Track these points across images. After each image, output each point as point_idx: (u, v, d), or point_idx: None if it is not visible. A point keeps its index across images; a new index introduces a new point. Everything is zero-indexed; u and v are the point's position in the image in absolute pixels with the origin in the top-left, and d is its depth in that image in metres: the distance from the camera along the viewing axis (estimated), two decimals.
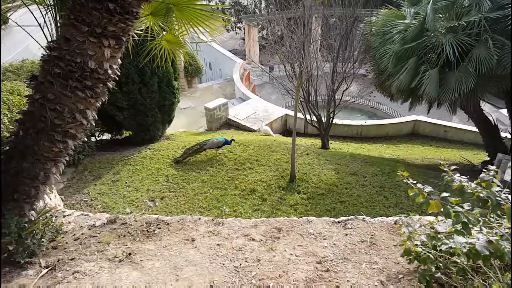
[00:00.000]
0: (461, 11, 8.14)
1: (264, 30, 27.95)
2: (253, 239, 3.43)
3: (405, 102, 10.48)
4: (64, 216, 4.07)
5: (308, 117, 12.00)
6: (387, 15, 9.98)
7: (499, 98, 10.20)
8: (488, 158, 10.40)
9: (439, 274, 2.24)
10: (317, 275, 2.86)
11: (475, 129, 11.53)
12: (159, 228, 3.72)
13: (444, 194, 2.31)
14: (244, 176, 8.30)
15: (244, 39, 29.01)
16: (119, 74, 3.32)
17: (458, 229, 2.18)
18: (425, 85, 8.30)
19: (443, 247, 2.26)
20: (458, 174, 2.42)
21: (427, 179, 8.52)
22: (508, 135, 11.44)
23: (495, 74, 7.72)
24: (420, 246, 2.40)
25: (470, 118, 10.67)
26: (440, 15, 8.73)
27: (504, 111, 15.04)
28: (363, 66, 12.93)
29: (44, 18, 3.45)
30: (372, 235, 3.35)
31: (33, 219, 3.43)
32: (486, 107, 11.30)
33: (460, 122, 16.09)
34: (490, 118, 10.52)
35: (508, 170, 7.95)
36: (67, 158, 3.51)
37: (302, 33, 10.21)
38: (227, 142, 9.25)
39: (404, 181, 2.55)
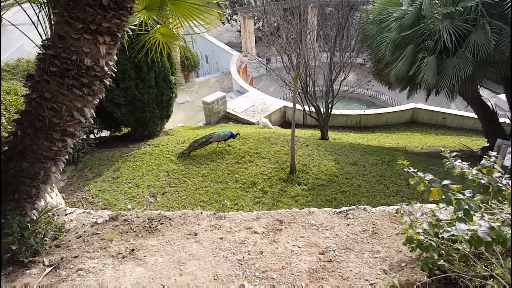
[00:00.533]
0: None
1: (260, 21, 27.70)
2: (255, 232, 3.44)
3: (403, 90, 10.43)
4: (66, 214, 4.07)
5: (306, 108, 11.96)
6: (383, 3, 9.87)
7: (497, 83, 10.14)
8: (488, 144, 10.40)
9: (441, 262, 2.25)
10: (320, 265, 2.87)
11: (473, 115, 11.50)
12: (161, 224, 3.73)
13: (445, 182, 2.31)
14: (245, 169, 8.31)
15: (240, 31, 28.78)
16: (116, 70, 3.30)
17: (460, 216, 2.19)
18: (423, 72, 8.26)
19: (445, 235, 2.26)
20: (459, 161, 2.42)
21: (427, 166, 8.53)
22: (507, 120, 11.42)
23: (493, 60, 7.66)
24: (422, 234, 2.40)
25: (469, 104, 10.63)
26: (437, 1, 8.64)
27: (503, 96, 15.01)
28: (361, 55, 12.83)
29: (37, 16, 3.40)
30: (373, 224, 3.36)
31: (35, 218, 3.44)
32: (484, 93, 11.22)
33: (458, 109, 16.06)
34: (488, 103, 10.49)
35: (508, 156, 7.96)
36: (67, 157, 3.50)
37: (298, 24, 10.12)
38: (232, 136, 9.27)
39: (405, 169, 2.54)
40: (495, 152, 2.33)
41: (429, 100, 11.32)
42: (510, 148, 8.21)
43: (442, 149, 2.49)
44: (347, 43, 11.67)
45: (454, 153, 2.45)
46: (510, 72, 7.84)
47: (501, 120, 10.90)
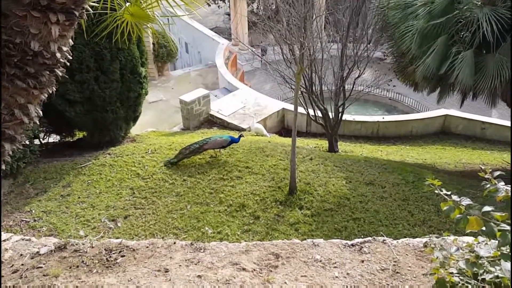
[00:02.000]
0: None
1: (254, 2, 28.04)
2: (243, 269, 3.42)
3: (432, 93, 10.60)
4: None
5: (311, 112, 12.05)
6: None
7: None
8: None
9: None
10: None
11: None
12: (122, 256, 3.69)
13: (486, 208, 2.31)
14: (231, 188, 8.30)
15: (229, 14, 29.06)
16: (71, 58, 3.28)
17: (505, 252, 2.19)
18: (457, 70, 8.40)
19: (487, 276, 2.25)
20: (503, 183, 2.43)
21: (462, 189, 8.63)
22: None
23: None
24: (457, 275, 2.39)
25: None
26: None
27: None
28: (380, 48, 13.03)
29: None
30: (395, 261, 3.36)
31: None
32: None
33: (501, 117, 16.31)
34: None
35: None
36: (3, 167, 3.44)
37: (302, 7, 10.25)
38: (233, 141, 9.35)
39: (436, 191, 2.55)
40: None
41: (465, 106, 11.50)
42: None
43: (482, 167, 2.51)
44: (363, 32, 11.85)
45: (498, 173, 2.47)
46: None
47: None
